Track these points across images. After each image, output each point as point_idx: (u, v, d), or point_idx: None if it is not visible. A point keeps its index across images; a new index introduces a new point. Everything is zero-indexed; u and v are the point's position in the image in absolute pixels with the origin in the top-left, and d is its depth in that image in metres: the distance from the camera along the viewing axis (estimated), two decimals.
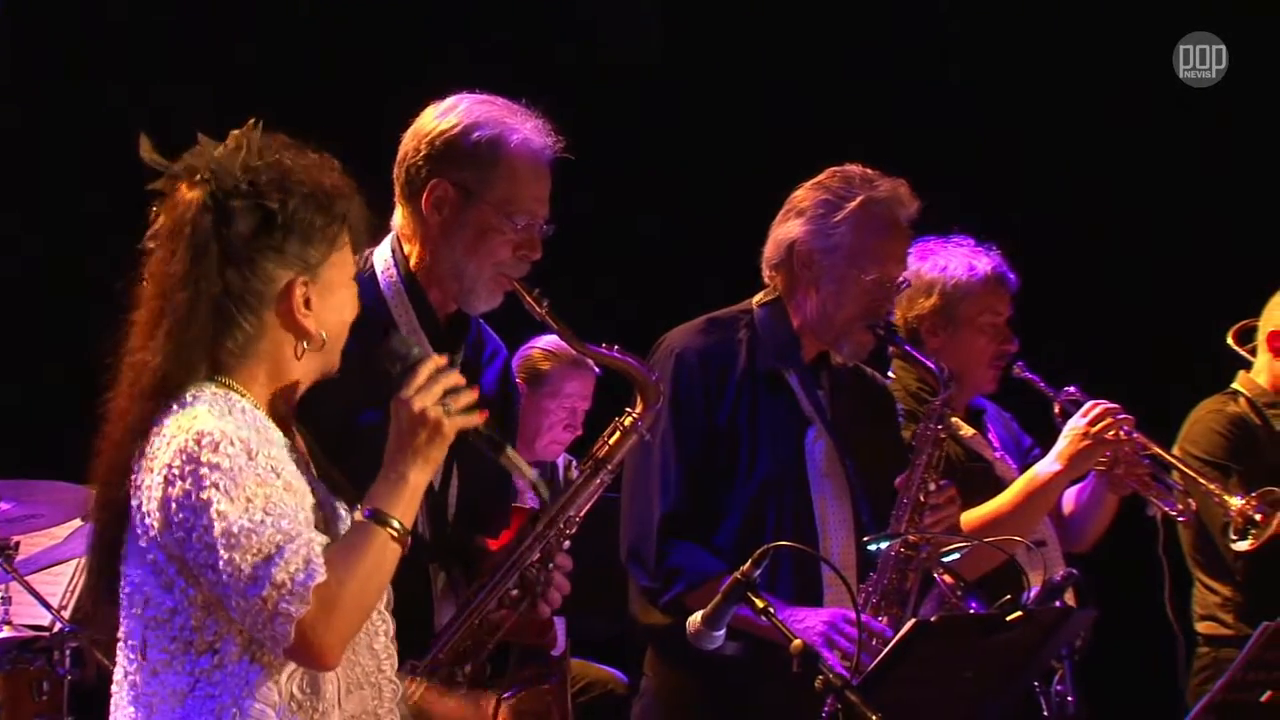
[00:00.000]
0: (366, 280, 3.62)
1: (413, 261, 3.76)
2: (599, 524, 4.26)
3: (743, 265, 4.56)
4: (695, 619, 3.70)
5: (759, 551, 3.56)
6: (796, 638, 3.40)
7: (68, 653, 5.66)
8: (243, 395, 2.93)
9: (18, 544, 5.71)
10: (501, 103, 3.80)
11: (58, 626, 5.71)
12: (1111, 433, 4.78)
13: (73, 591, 5.92)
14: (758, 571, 3.55)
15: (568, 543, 3.73)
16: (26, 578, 5.70)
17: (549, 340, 6.23)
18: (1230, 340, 5.81)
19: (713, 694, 4.25)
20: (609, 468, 3.77)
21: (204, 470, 2.78)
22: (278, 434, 2.93)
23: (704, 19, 7.86)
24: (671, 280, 7.25)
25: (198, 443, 2.80)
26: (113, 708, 2.94)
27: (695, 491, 4.28)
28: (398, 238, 3.77)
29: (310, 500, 2.90)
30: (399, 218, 3.76)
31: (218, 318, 2.93)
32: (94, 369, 3.03)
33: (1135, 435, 4.86)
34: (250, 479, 2.79)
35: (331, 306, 2.98)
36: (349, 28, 7.44)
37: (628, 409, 3.81)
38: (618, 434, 3.79)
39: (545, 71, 7.18)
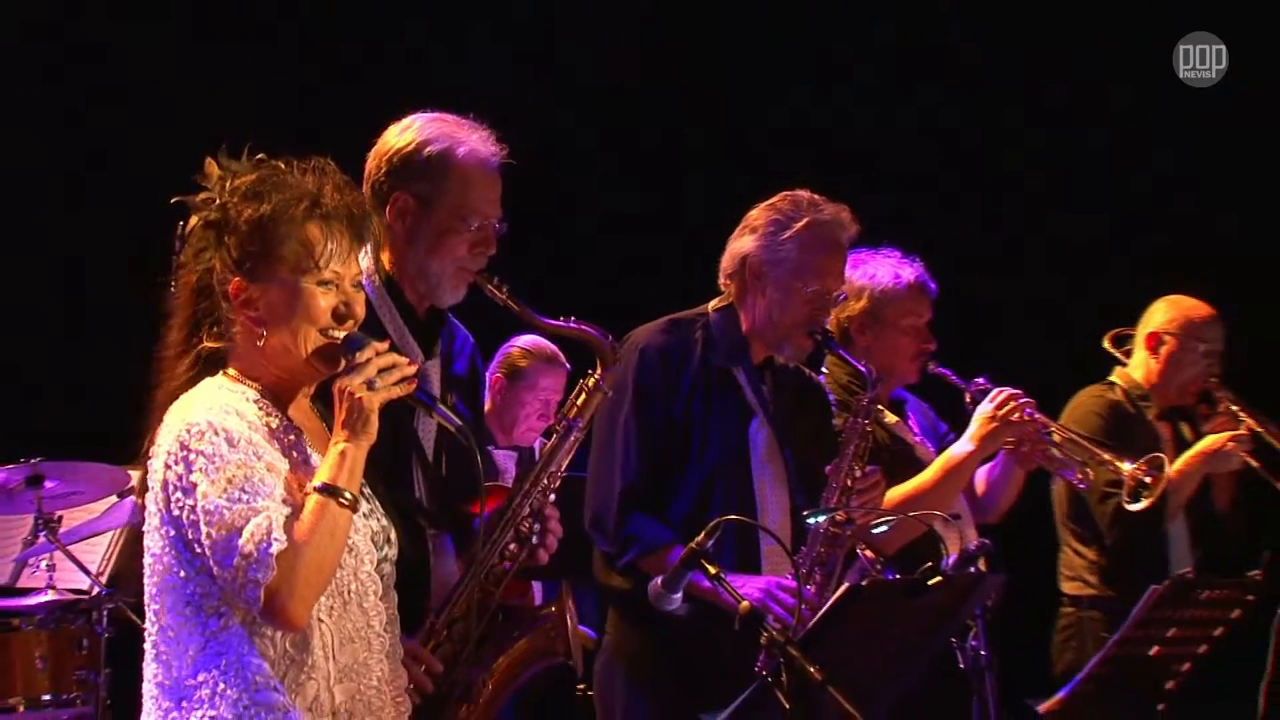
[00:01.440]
0: None
1: (387, 265, 3.94)
2: (577, 499, 4.55)
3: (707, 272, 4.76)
4: (656, 583, 3.90)
5: (711, 524, 3.73)
6: (744, 600, 3.51)
7: (105, 613, 5.90)
8: (244, 385, 3.14)
9: (60, 517, 5.94)
10: (451, 119, 3.98)
11: (96, 590, 5.94)
12: (1016, 415, 4.98)
13: (109, 559, 6.14)
14: (710, 542, 3.71)
15: (553, 496, 3.92)
16: (69, 547, 5.93)
17: (527, 340, 6.45)
18: (1107, 343, 6.01)
19: (665, 649, 4.44)
20: (580, 425, 3.97)
21: (192, 456, 2.98)
22: (274, 419, 3.13)
23: (681, 40, 7.84)
24: (642, 282, 7.32)
25: (188, 431, 3.00)
26: (144, 664, 3.12)
27: (652, 470, 4.47)
28: (375, 246, 3.85)
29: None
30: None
31: (201, 316, 3.15)
32: (131, 363, 3.29)
33: (1037, 416, 5.07)
34: (231, 463, 2.98)
35: (276, 305, 3.11)
36: (331, 50, 7.53)
37: (590, 371, 4.01)
38: (584, 395, 3.99)
39: (527, 88, 7.25)
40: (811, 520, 4.45)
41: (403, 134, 3.94)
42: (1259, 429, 5.68)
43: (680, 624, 4.26)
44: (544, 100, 7.49)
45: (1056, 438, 5.22)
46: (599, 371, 4.00)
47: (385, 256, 3.94)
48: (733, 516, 4.11)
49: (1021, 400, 5.00)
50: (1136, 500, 5.24)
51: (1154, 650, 4.65)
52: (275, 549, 2.94)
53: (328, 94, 7.34)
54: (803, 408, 4.74)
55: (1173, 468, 5.55)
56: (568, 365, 6.46)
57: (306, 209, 3.14)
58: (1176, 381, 5.83)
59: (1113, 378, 5.91)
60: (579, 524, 4.52)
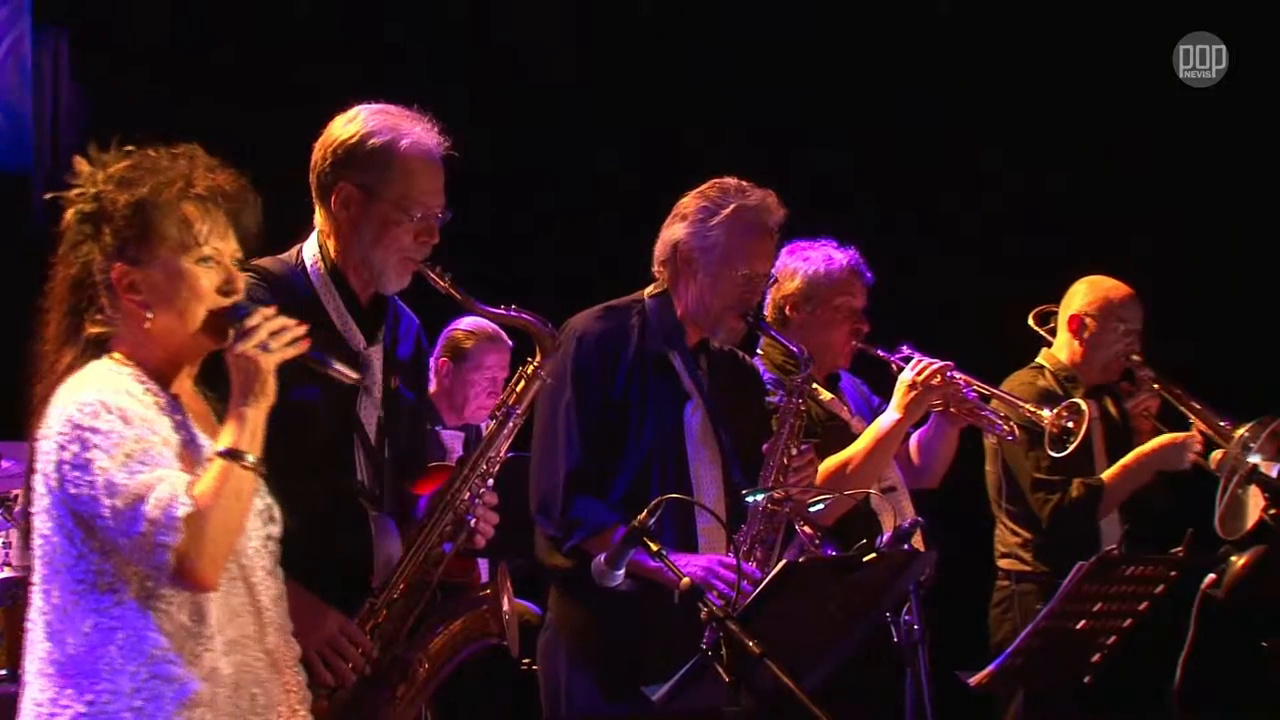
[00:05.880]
0: (299, 273, 3.75)
1: (332, 254, 3.80)
2: (520, 478, 4.41)
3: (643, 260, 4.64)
4: (599, 560, 3.79)
5: (654, 503, 3.65)
6: (685, 576, 3.47)
7: None
8: (129, 367, 3.01)
9: (16, 496, 5.68)
10: (396, 110, 3.84)
11: None
12: (937, 379, 4.91)
13: None
14: (652, 520, 3.63)
15: (491, 481, 3.80)
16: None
17: (469, 321, 6.29)
18: (1031, 321, 5.96)
19: (607, 625, 4.32)
20: (519, 412, 3.84)
21: (87, 434, 2.88)
22: (161, 398, 3.01)
23: (617, 42, 7.67)
24: (576, 272, 7.15)
25: (80, 410, 2.89)
26: (28, 643, 3.00)
27: (593, 454, 4.36)
28: (319, 234, 3.81)
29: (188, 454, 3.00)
30: (318, 218, 3.81)
31: (83, 306, 3.02)
32: None
33: (958, 377, 5.00)
34: (129, 438, 2.89)
35: (160, 286, 3.01)
36: (278, 55, 7.29)
37: (529, 358, 3.88)
38: (523, 382, 3.86)
39: (465, 92, 7.05)
40: (750, 499, 4.35)
41: (348, 125, 3.79)
42: (1180, 405, 5.66)
43: (622, 600, 4.15)
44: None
45: (979, 395, 5.18)
46: (538, 359, 3.88)
47: (330, 244, 3.80)
48: (674, 495, 3.98)
49: (940, 364, 4.95)
50: (1061, 448, 5.22)
51: (1080, 624, 4.57)
52: (181, 511, 2.85)
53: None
54: (738, 390, 4.64)
55: (1119, 464, 5.57)
56: (510, 342, 6.31)
57: (181, 190, 3.03)
58: (1099, 361, 5.77)
59: (1040, 360, 5.85)
60: (518, 503, 4.39)
